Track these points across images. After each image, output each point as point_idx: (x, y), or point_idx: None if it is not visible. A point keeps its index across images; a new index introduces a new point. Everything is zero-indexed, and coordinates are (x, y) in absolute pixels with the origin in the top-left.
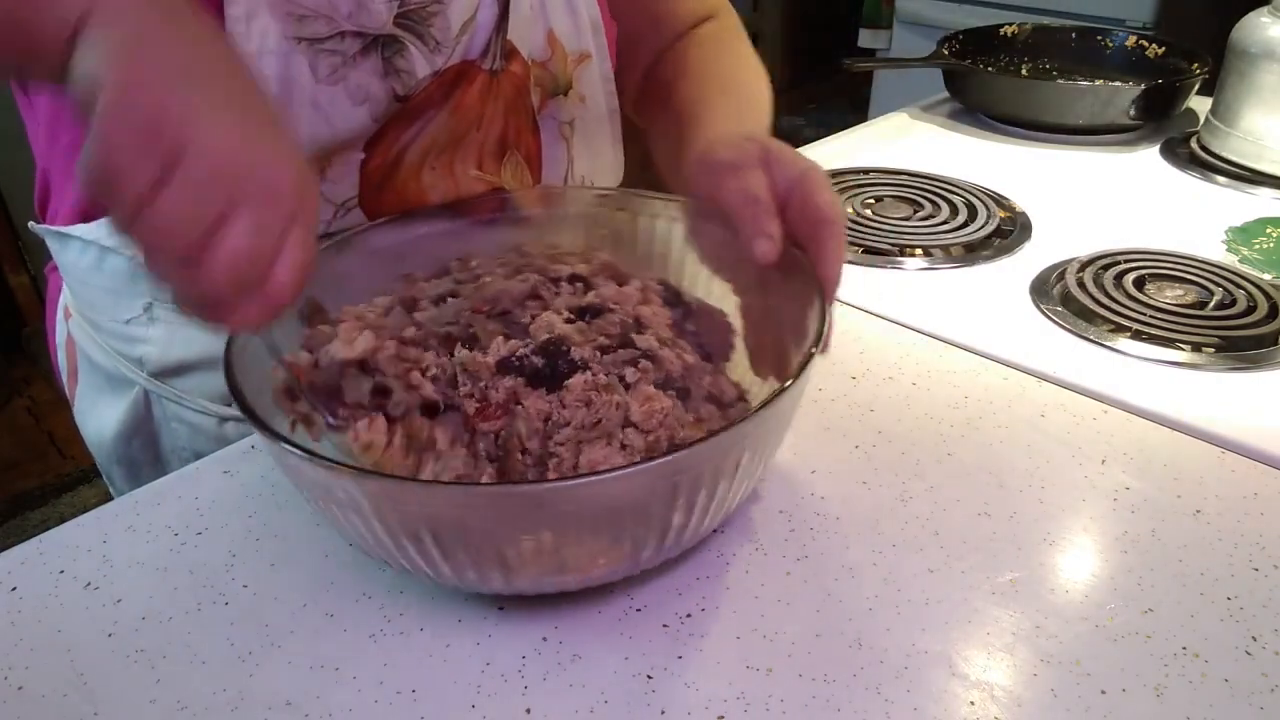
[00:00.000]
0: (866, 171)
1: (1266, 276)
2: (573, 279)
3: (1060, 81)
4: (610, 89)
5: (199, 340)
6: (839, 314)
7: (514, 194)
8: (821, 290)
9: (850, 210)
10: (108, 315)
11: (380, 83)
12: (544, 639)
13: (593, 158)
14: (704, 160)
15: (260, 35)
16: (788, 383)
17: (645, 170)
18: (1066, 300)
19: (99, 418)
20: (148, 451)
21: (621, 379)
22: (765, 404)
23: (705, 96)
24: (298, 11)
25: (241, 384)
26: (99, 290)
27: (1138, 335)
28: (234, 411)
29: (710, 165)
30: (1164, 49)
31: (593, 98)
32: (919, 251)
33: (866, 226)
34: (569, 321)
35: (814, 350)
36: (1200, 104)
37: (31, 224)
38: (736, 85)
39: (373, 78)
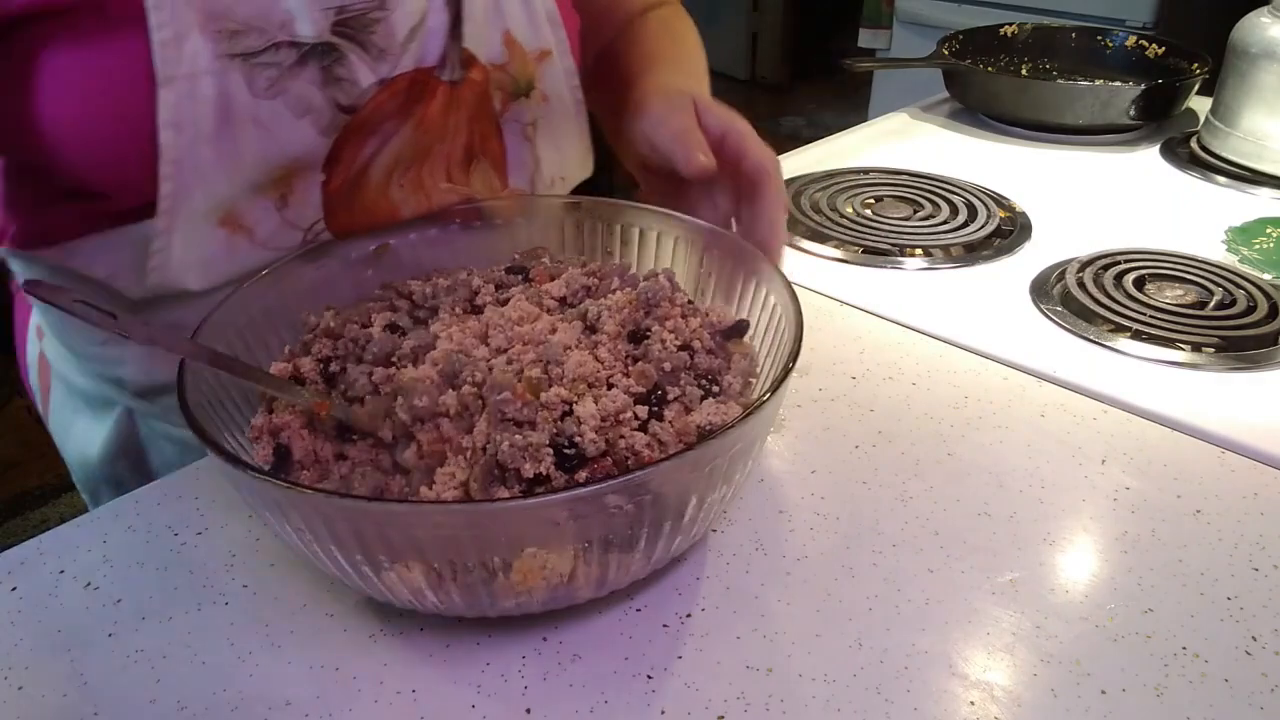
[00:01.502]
0: (866, 171)
1: (1266, 276)
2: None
3: (1060, 81)
4: (574, 83)
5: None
6: (839, 314)
7: (489, 205)
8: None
9: (850, 210)
10: (81, 338)
11: (320, 93)
12: (544, 639)
13: (560, 155)
14: (639, 108)
15: (192, 57)
16: (761, 399)
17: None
18: (1066, 300)
19: (80, 439)
20: (135, 470)
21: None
22: (729, 426)
23: (647, 64)
24: (229, 27)
25: (193, 406)
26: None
27: (1138, 335)
28: None
29: (646, 113)
30: (1164, 49)
31: (556, 94)
32: (919, 251)
33: (866, 226)
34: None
35: (790, 365)
36: (1200, 104)
37: None
38: (676, 53)
39: (312, 88)
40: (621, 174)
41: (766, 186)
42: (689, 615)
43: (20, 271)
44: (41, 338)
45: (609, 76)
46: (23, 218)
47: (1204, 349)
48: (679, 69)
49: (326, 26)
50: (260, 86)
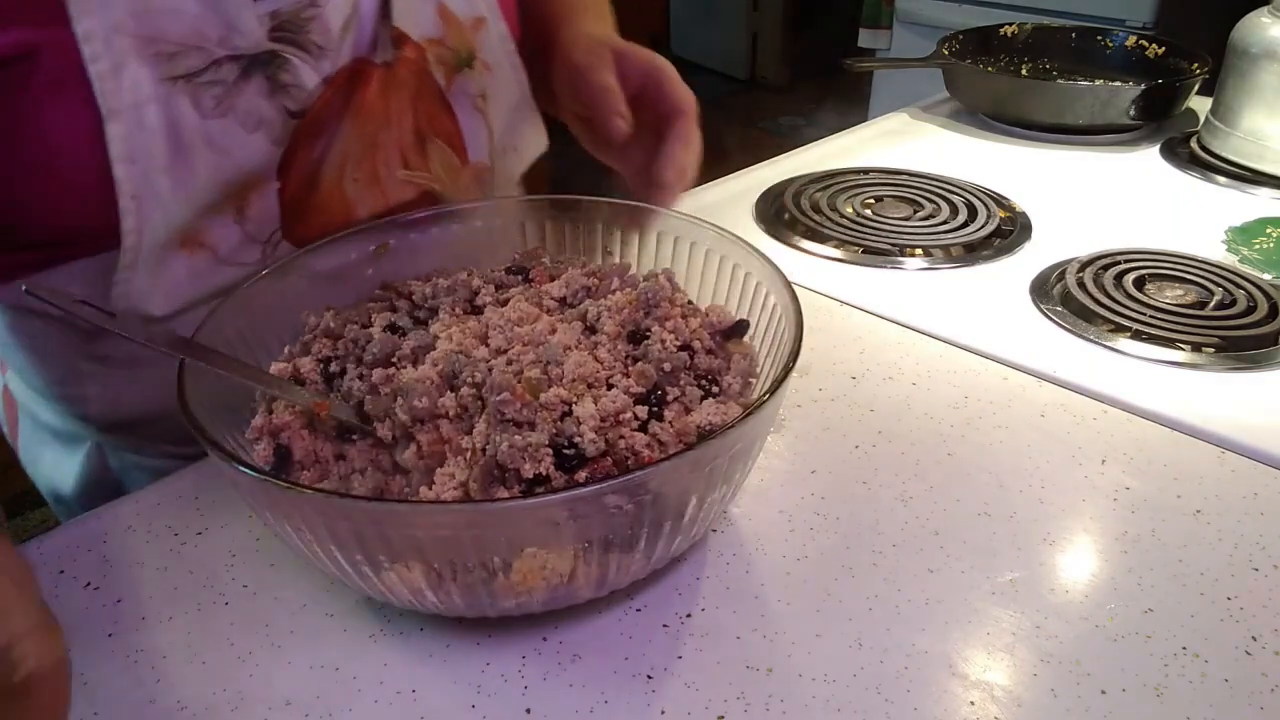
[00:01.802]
0: (866, 171)
1: (1266, 276)
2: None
3: (1060, 81)
4: (510, 48)
5: (146, 392)
6: (839, 314)
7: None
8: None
9: (850, 210)
10: (41, 378)
11: (270, 103)
12: (544, 639)
13: (512, 125)
14: (564, 62)
15: (133, 86)
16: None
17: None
18: (1066, 300)
19: (51, 473)
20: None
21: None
22: (728, 427)
23: (565, 12)
24: (166, 50)
25: (193, 406)
26: (23, 351)
27: (1138, 335)
28: (198, 449)
29: (569, 67)
30: (1164, 49)
31: (496, 62)
32: (919, 251)
33: (866, 226)
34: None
35: (790, 365)
36: (1200, 104)
37: None
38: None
39: (260, 100)
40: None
41: (678, 126)
42: (689, 615)
43: None
44: (4, 371)
45: (530, 27)
46: None
47: (1204, 349)
48: (594, 13)
49: (264, 34)
50: (208, 106)
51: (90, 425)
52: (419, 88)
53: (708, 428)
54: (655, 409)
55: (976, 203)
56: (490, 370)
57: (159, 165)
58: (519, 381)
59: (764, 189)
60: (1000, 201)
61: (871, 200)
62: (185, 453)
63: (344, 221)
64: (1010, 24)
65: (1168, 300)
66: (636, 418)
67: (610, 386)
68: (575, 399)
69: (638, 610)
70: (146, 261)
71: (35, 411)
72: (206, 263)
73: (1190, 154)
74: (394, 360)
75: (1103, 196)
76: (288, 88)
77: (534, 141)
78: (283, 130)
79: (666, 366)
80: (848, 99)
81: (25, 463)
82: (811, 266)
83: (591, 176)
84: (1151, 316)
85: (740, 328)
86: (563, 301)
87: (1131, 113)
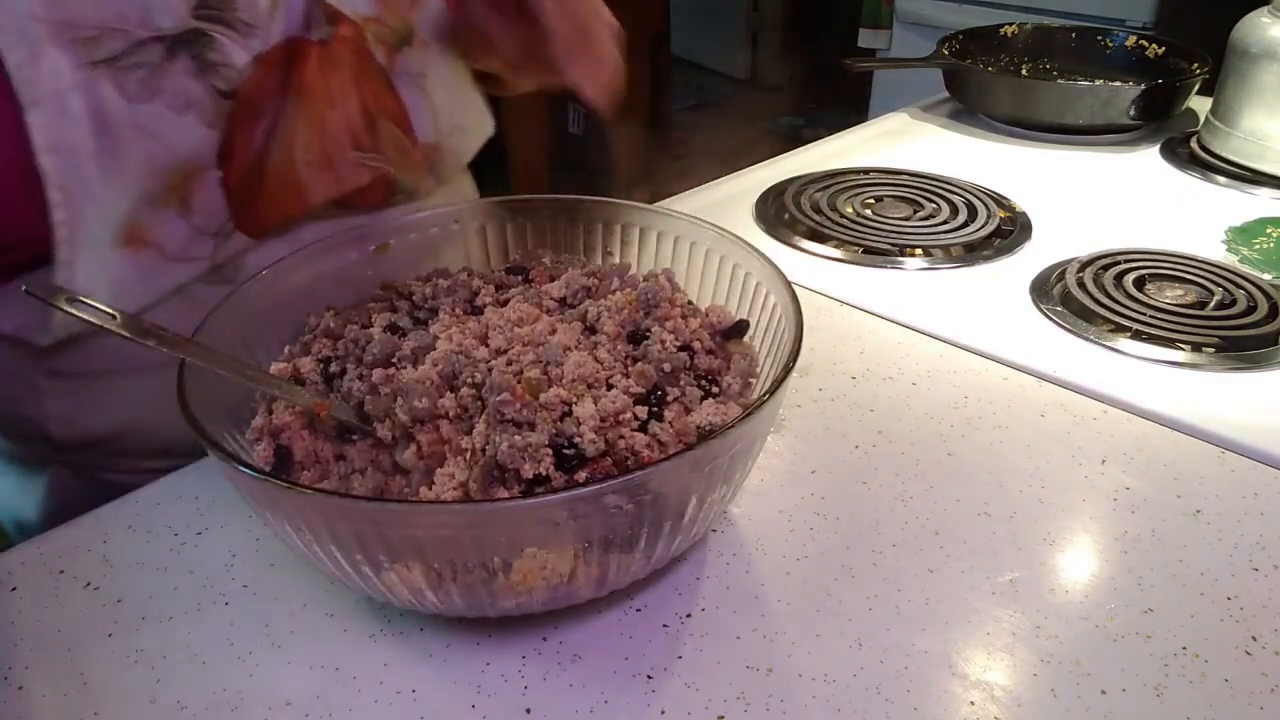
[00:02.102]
0: (866, 171)
1: (1266, 276)
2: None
3: (1060, 81)
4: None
5: (111, 408)
6: (839, 314)
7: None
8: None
9: (850, 210)
10: None
11: (198, 83)
12: (544, 639)
13: (454, 103)
14: None
15: (52, 75)
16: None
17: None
18: (1066, 300)
19: (11, 502)
20: None
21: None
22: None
23: None
24: (84, 34)
25: (193, 406)
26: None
27: (1138, 335)
28: (173, 462)
29: None
30: (1164, 49)
31: (437, 38)
32: (919, 251)
33: (866, 226)
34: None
35: (790, 365)
36: (1200, 104)
37: None
38: None
39: (188, 80)
40: (622, 174)
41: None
42: (689, 615)
43: None
44: None
45: None
46: None
47: (1204, 349)
48: None
49: (187, 13)
50: (133, 90)
51: (51, 447)
52: (361, 66)
53: (708, 428)
54: (655, 409)
55: (976, 203)
56: (490, 370)
57: (86, 153)
58: (519, 382)
59: (764, 189)
60: (1000, 201)
61: (871, 200)
62: (157, 466)
63: (299, 208)
64: (1010, 24)
65: (1168, 300)
66: (636, 418)
67: (610, 387)
68: (575, 399)
69: (638, 610)
70: (86, 261)
71: None
72: (154, 260)
73: (1190, 154)
74: (394, 360)
75: (1103, 196)
76: (216, 67)
77: (480, 121)
78: (215, 112)
79: (666, 367)
80: (848, 99)
81: None
82: (811, 266)
83: (591, 177)
84: (1151, 316)
85: (740, 328)
86: (563, 302)
87: (1131, 113)
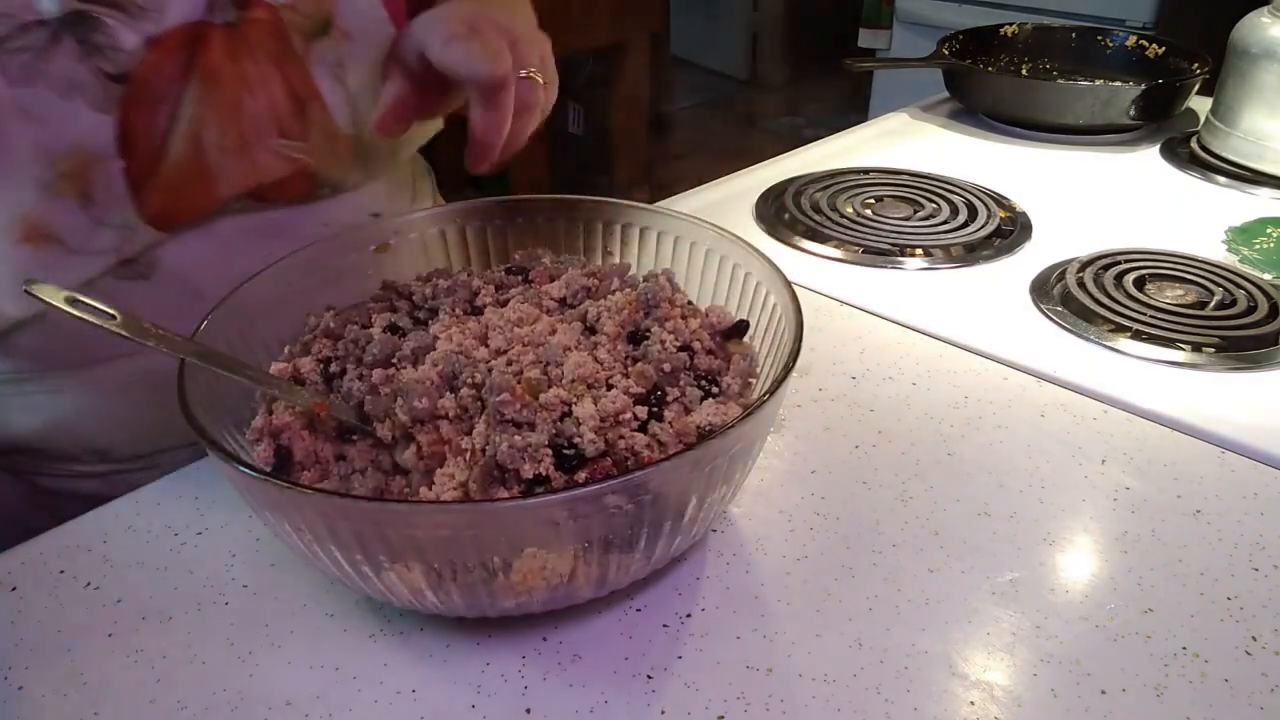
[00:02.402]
0: (866, 171)
1: (1266, 276)
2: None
3: (1060, 81)
4: (380, 15)
5: (34, 405)
6: (839, 314)
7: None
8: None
9: (850, 210)
10: None
11: (83, 66)
12: (544, 639)
13: (375, 98)
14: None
15: None
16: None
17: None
18: (1066, 300)
19: None
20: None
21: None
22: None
23: None
24: None
25: (193, 406)
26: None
27: (1138, 335)
28: (112, 466)
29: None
30: (1164, 49)
31: (360, 29)
32: (919, 251)
33: (866, 226)
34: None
35: (790, 365)
36: (1200, 104)
37: None
38: None
39: (73, 63)
40: (622, 174)
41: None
42: (689, 615)
43: None
44: None
45: None
46: None
47: (1204, 349)
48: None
49: None
50: (14, 73)
51: (17, 449)
52: (280, 51)
53: (708, 428)
54: (655, 409)
55: (976, 203)
56: (490, 371)
57: None
58: (519, 382)
59: (764, 189)
60: (1000, 201)
61: (871, 200)
62: (93, 470)
63: (208, 199)
64: (1010, 24)
65: (1168, 300)
66: (636, 418)
67: (610, 387)
68: (575, 399)
69: (638, 610)
70: None
71: None
72: (56, 255)
73: (1190, 154)
74: (394, 361)
75: (1103, 196)
76: (102, 49)
77: (421, 127)
78: (104, 96)
79: (666, 367)
80: (848, 99)
81: None
82: (811, 266)
83: (591, 176)
84: (1151, 316)
85: (740, 328)
86: (563, 302)
87: (1131, 113)
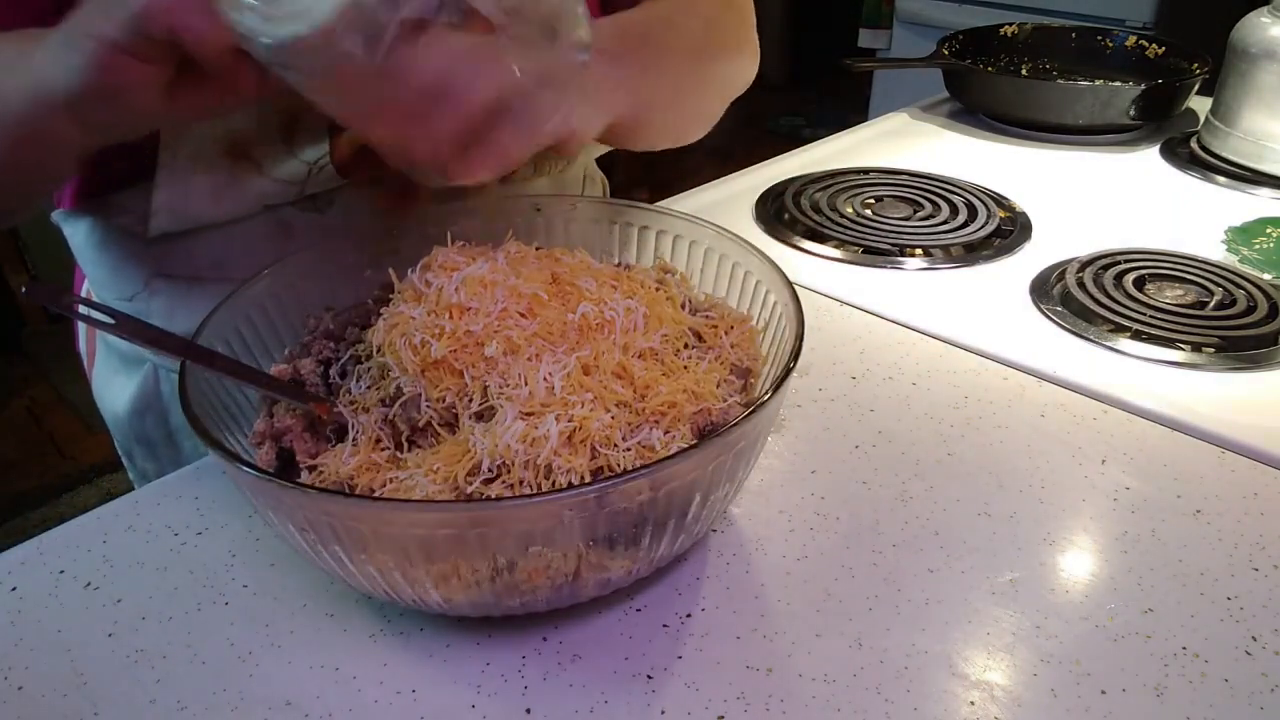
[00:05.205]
0: (866, 171)
1: (1266, 276)
2: None
3: (1060, 81)
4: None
5: (200, 311)
6: (839, 314)
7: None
8: None
9: (850, 210)
10: (113, 293)
11: None
12: (544, 639)
13: None
14: None
15: None
16: (762, 399)
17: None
18: (1066, 300)
19: (114, 397)
20: (160, 429)
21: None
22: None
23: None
24: None
25: (196, 407)
26: (103, 268)
27: (1138, 335)
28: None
29: None
30: (1164, 49)
31: None
32: (919, 251)
33: (866, 226)
34: None
35: (791, 365)
36: (1200, 104)
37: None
38: (648, 21)
39: None
40: (622, 174)
41: None
42: (689, 615)
43: (69, 235)
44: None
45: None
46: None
47: (1204, 349)
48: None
49: None
50: None
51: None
52: None
53: (709, 427)
54: None
55: (976, 203)
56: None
57: None
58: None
59: (764, 189)
60: (1000, 201)
61: (871, 200)
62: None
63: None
64: (1010, 24)
65: (1168, 300)
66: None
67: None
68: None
69: (638, 610)
70: (190, 151)
71: (108, 336)
72: (251, 175)
73: (1190, 154)
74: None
75: (1103, 196)
76: None
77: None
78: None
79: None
80: (848, 99)
81: (97, 395)
82: (811, 266)
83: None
84: (1151, 316)
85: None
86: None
87: (1131, 113)
